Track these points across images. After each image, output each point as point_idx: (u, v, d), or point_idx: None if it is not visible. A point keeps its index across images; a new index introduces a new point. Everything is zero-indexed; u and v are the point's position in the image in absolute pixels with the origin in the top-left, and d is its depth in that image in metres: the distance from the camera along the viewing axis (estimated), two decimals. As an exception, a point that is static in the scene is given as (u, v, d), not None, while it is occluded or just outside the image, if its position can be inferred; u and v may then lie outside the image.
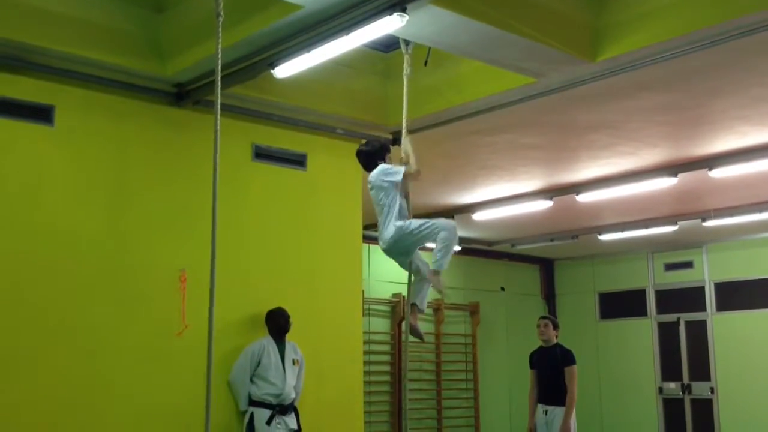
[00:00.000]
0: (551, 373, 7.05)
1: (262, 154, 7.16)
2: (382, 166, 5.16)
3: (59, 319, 5.85)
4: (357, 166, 7.85)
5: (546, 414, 7.03)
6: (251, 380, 6.61)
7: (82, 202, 6.11)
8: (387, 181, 5.04)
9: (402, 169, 5.13)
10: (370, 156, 5.29)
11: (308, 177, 7.48)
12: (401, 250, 5.12)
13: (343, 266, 7.65)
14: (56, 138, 6.06)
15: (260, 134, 7.17)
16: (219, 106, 4.40)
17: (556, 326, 7.29)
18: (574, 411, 6.88)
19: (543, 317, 7.44)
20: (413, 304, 5.18)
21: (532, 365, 7.38)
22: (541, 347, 7.28)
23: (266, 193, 7.18)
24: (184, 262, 6.44)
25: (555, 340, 7.27)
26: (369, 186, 5.14)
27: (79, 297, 5.97)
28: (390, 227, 4.98)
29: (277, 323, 6.77)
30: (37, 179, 5.93)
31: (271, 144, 7.22)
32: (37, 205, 5.90)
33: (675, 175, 9.28)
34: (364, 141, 5.51)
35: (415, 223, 5.02)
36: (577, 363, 15.44)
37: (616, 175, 9.68)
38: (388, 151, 5.40)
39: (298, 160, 7.40)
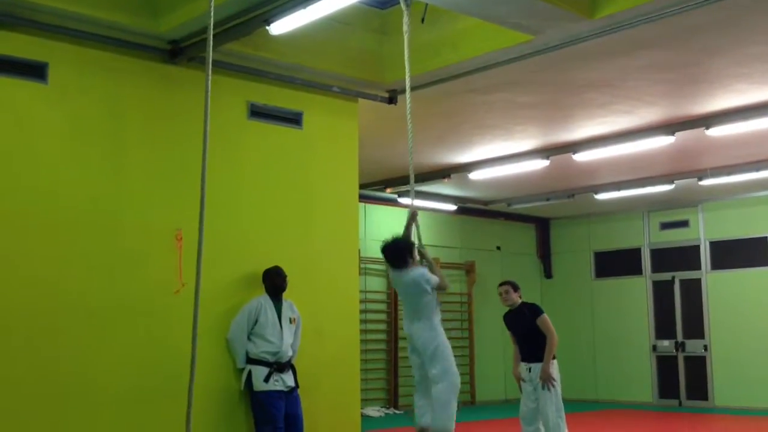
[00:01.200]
0: (527, 333, 7.04)
1: (257, 112, 7.12)
2: (423, 270, 5.65)
3: (56, 277, 5.86)
4: (353, 125, 7.88)
5: (530, 371, 7.00)
6: (249, 338, 6.65)
7: (77, 160, 6.07)
8: (431, 287, 5.57)
9: (435, 277, 5.65)
10: (401, 252, 5.76)
11: (304, 136, 7.44)
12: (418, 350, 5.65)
13: (339, 225, 7.65)
14: (50, 95, 6.00)
15: (255, 92, 7.11)
16: (210, 62, 4.37)
17: (516, 288, 7.24)
18: (554, 357, 6.83)
19: (501, 283, 7.35)
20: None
21: (508, 327, 7.40)
22: (510, 310, 7.29)
23: (262, 152, 7.15)
24: (180, 221, 6.43)
25: (520, 301, 7.22)
26: (403, 282, 5.52)
27: (76, 256, 5.97)
28: (424, 331, 5.60)
29: (274, 282, 6.79)
30: (30, 137, 5.89)
31: (266, 102, 7.17)
32: (31, 162, 5.86)
33: (672, 133, 9.27)
34: (389, 240, 5.90)
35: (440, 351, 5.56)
36: (572, 321, 15.63)
37: (613, 134, 9.66)
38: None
39: (293, 119, 7.35)
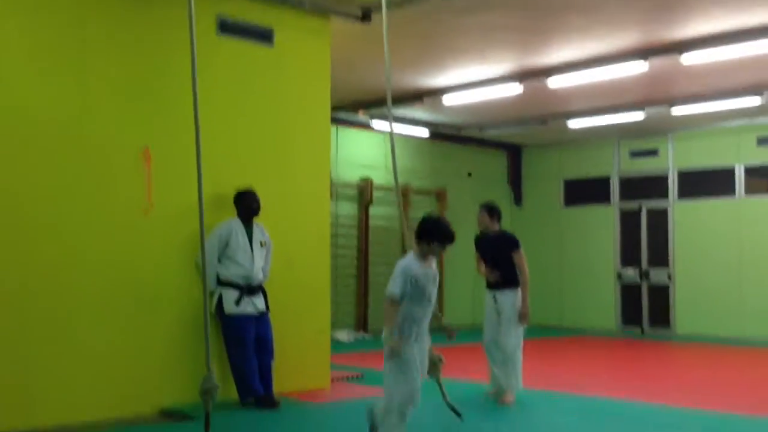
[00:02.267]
0: (498, 261, 6.90)
1: (227, 27, 6.89)
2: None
3: (23, 195, 5.71)
4: (325, 45, 7.68)
5: (495, 300, 6.91)
6: (219, 261, 6.59)
7: (39, 75, 5.85)
8: None
9: None
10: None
11: (275, 54, 7.25)
12: None
13: (310, 148, 7.54)
14: (14, 11, 5.74)
15: (225, 5, 6.88)
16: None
17: (493, 214, 7.04)
18: (518, 286, 6.82)
19: (481, 206, 7.20)
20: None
21: (478, 250, 7.21)
22: (486, 235, 7.09)
23: (231, 70, 6.96)
24: (148, 139, 6.28)
25: (497, 228, 7.07)
26: (432, 277, 4.83)
27: (43, 174, 5.81)
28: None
29: (248, 206, 6.69)
30: (-10, 51, 5.67)
31: (236, 16, 6.94)
32: (-6, 80, 5.66)
33: (646, 59, 9.20)
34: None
35: None
36: (541, 248, 15.76)
37: (587, 60, 9.56)
38: None
39: (264, 35, 7.14)
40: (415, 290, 4.61)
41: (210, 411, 4.70)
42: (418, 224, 4.89)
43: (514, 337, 6.79)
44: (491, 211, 7.10)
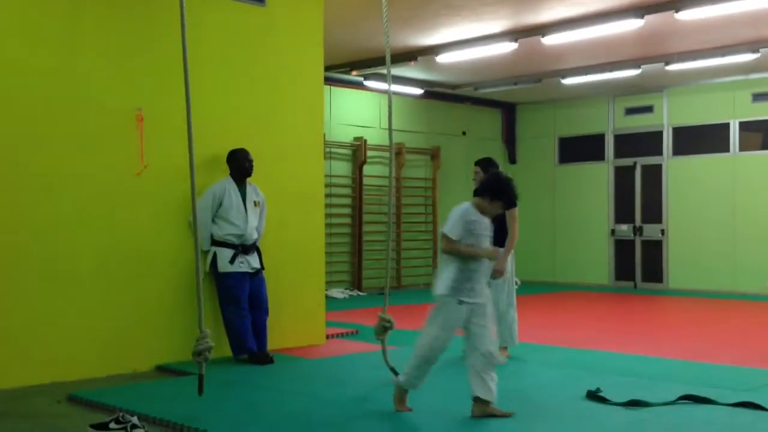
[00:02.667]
0: (491, 219, 6.87)
1: (218, -13, 6.85)
2: None
3: (15, 157, 5.72)
4: (318, 4, 7.63)
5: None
6: (213, 221, 6.63)
7: (33, 37, 5.83)
8: None
9: None
10: None
11: (267, 13, 7.21)
12: None
13: (303, 108, 7.54)
14: (-3, -33, 5.70)
15: (215, -34, 6.84)
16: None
17: (491, 170, 6.72)
18: (512, 252, 6.76)
19: (476, 163, 6.96)
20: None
21: None
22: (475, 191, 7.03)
23: (224, 30, 6.93)
24: (140, 100, 6.28)
25: None
26: (487, 227, 4.88)
27: (35, 135, 5.82)
28: None
29: (241, 166, 6.70)
30: (-21, 11, 5.63)
31: (227, -23, 6.90)
32: (-20, 39, 5.63)
33: (641, 16, 9.15)
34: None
35: None
36: (535, 206, 15.85)
37: (582, 17, 9.51)
38: None
39: (256, -5, 7.10)
40: (469, 238, 4.65)
41: (203, 373, 4.64)
42: (487, 178, 4.94)
43: (506, 295, 6.75)
44: (488, 167, 6.90)
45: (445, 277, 4.71)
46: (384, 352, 5.52)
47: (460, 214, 4.72)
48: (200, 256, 4.83)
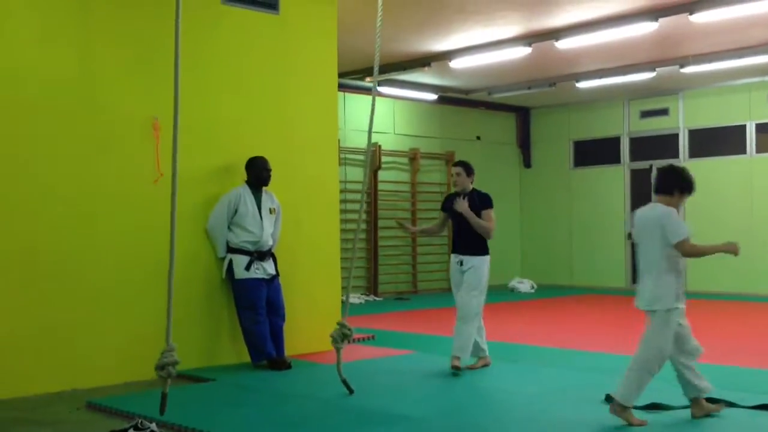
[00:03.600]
0: (466, 224, 6.39)
1: (232, -4, 6.90)
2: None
3: (33, 165, 5.78)
4: (332, 10, 7.66)
5: (461, 264, 6.39)
6: (229, 228, 6.66)
7: (44, 43, 5.88)
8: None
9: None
10: None
11: (281, 21, 7.24)
12: None
13: (318, 115, 7.56)
14: (15, -21, 5.77)
15: (229, -25, 6.88)
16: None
17: (470, 172, 6.58)
18: (488, 253, 6.42)
19: (455, 164, 6.68)
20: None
21: (446, 210, 6.66)
22: (456, 194, 6.58)
23: (238, 39, 6.97)
24: (157, 109, 6.32)
25: (471, 187, 6.55)
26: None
27: (53, 143, 5.88)
28: None
29: (259, 175, 6.73)
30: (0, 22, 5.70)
31: (241, -14, 6.94)
32: (1, 48, 5.68)
33: (656, 19, 9.13)
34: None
35: None
36: (550, 210, 15.77)
37: (596, 20, 9.49)
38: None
39: (270, 3, 7.13)
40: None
41: (166, 392, 4.30)
42: (665, 174, 5.02)
43: (476, 305, 6.36)
44: (468, 168, 6.64)
45: (665, 289, 4.68)
46: (339, 362, 5.53)
47: (675, 214, 4.73)
48: (173, 261, 4.62)
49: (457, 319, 6.38)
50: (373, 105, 5.68)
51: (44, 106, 5.86)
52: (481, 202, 6.52)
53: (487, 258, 6.46)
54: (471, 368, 6.40)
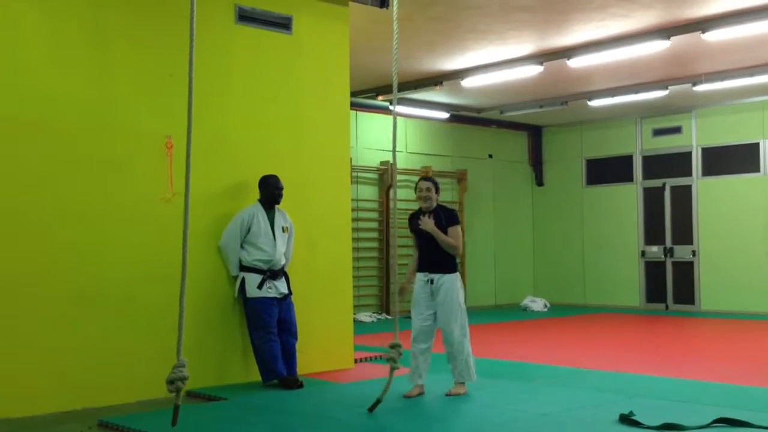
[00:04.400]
0: (435, 241, 6.08)
1: (245, 16, 6.94)
2: None
3: (46, 182, 5.82)
4: (344, 30, 7.71)
5: (431, 283, 6.06)
6: (242, 247, 6.67)
7: (60, 65, 5.93)
8: None
9: None
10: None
11: (294, 41, 7.29)
12: None
13: (330, 133, 7.59)
14: (34, 1, 5.83)
15: (243, -5, 6.94)
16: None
17: (438, 189, 6.26)
18: (457, 270, 6.15)
19: (425, 179, 6.32)
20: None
21: (413, 230, 6.29)
22: (420, 210, 6.26)
23: (251, 59, 7.01)
24: (170, 128, 6.36)
25: (435, 204, 6.22)
26: None
27: (66, 162, 5.91)
28: None
29: (270, 194, 6.75)
30: (14, 42, 5.75)
31: (254, 5, 6.99)
32: (16, 69, 5.74)
33: (668, 38, 9.13)
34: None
35: None
36: (563, 228, 15.74)
37: (608, 39, 9.51)
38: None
39: (283, 23, 7.19)
40: None
41: (179, 403, 4.29)
42: None
43: (460, 326, 6.06)
44: (437, 185, 6.31)
45: None
46: (390, 383, 5.48)
47: None
48: (185, 281, 4.61)
49: (445, 347, 6.12)
50: (394, 125, 5.63)
51: (57, 126, 5.90)
52: (447, 218, 6.19)
53: (457, 275, 6.15)
54: (408, 396, 5.99)
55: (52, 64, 5.91)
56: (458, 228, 6.20)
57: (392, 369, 5.48)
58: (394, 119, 5.62)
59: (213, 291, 6.60)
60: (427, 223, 6.11)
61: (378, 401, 5.46)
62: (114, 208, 6.12)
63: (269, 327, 6.57)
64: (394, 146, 5.68)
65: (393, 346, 5.47)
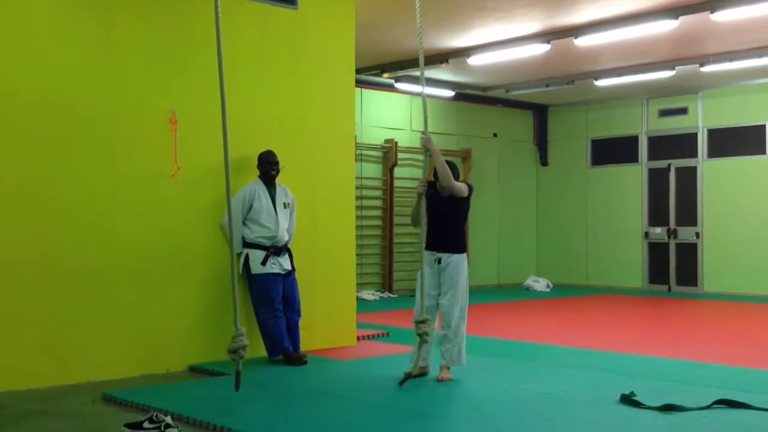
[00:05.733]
0: (444, 214, 5.90)
1: (251, -9, 6.91)
2: None
3: (53, 158, 5.82)
4: (350, 6, 7.66)
5: (439, 262, 5.87)
6: (244, 224, 6.67)
7: (65, 41, 5.91)
8: None
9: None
10: None
11: (299, 16, 7.25)
12: None
13: (335, 110, 7.56)
14: (36, -27, 5.80)
15: (248, -31, 6.89)
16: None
17: (455, 171, 5.98)
18: (465, 251, 5.93)
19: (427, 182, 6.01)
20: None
21: (428, 197, 5.88)
22: (432, 184, 5.97)
23: (256, 33, 6.97)
24: (174, 102, 6.34)
25: None
26: None
27: (71, 137, 5.91)
28: None
29: (265, 169, 6.75)
30: (21, 21, 5.72)
31: (260, -20, 6.95)
32: (23, 46, 5.72)
33: (676, 17, 9.05)
34: None
35: None
36: (566, 208, 15.68)
37: (616, 18, 9.42)
38: None
39: (288, -2, 7.15)
40: None
41: (240, 369, 4.67)
42: None
43: (459, 308, 5.90)
44: (453, 166, 6.07)
45: None
46: (420, 355, 5.63)
47: None
48: (235, 257, 4.84)
49: (441, 328, 5.93)
50: (424, 103, 5.80)
51: (61, 101, 5.88)
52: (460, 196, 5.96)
53: (465, 256, 5.99)
54: (409, 374, 5.70)
55: (57, 42, 5.89)
56: (464, 184, 5.99)
57: (422, 343, 5.55)
58: (424, 100, 5.76)
59: (217, 267, 6.60)
60: (428, 139, 5.78)
61: (408, 375, 5.58)
62: (119, 184, 6.12)
63: (274, 303, 6.58)
64: (426, 125, 5.78)
65: (422, 321, 5.51)
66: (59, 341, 5.78)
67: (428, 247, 5.89)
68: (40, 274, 5.72)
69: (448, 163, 5.99)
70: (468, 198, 6.02)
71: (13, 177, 5.64)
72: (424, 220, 5.82)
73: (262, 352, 6.67)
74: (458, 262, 5.92)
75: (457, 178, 5.99)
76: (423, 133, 5.79)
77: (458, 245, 5.97)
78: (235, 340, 4.62)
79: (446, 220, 5.95)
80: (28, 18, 5.76)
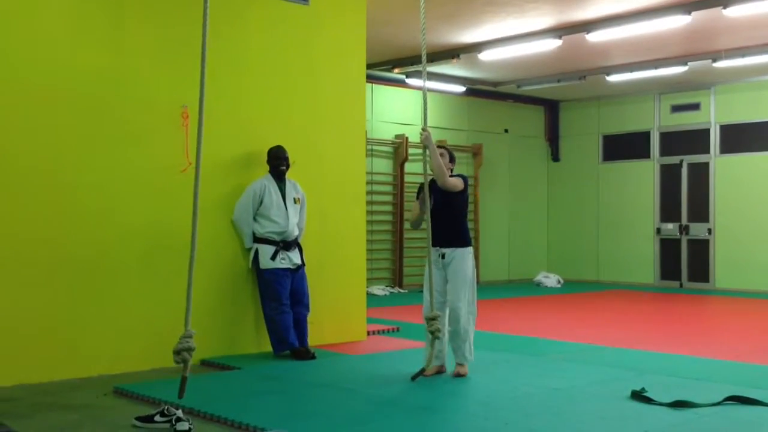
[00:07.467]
0: (446, 209, 5.86)
1: (262, -14, 6.91)
2: None
3: (64, 152, 5.84)
4: (361, 2, 7.65)
5: (443, 257, 5.81)
6: (254, 219, 6.69)
7: (77, 35, 5.94)
8: None
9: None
10: None
11: (310, 11, 7.25)
12: None
13: (346, 106, 7.57)
14: (48, -32, 5.82)
15: (260, -35, 6.89)
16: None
17: (452, 159, 6.02)
18: (470, 244, 5.90)
19: (440, 147, 5.97)
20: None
21: (431, 188, 5.81)
22: (433, 179, 5.86)
23: (267, 29, 6.98)
24: (186, 97, 6.35)
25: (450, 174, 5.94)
26: None
27: (82, 133, 5.93)
28: None
29: (274, 164, 6.76)
30: (34, 14, 5.75)
31: (271, -24, 6.96)
32: (34, 40, 5.74)
33: (689, 13, 9.01)
34: None
35: None
36: (578, 204, 15.65)
37: (628, 13, 9.39)
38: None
39: (299, -7, 7.15)
40: None
41: (186, 375, 4.22)
42: None
43: (468, 302, 5.82)
44: (450, 152, 6.08)
45: None
46: (433, 351, 5.63)
47: None
48: (194, 248, 4.53)
49: (449, 324, 5.85)
50: (424, 98, 5.74)
51: (74, 97, 5.90)
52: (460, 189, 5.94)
53: (470, 250, 5.90)
54: (425, 374, 5.72)
55: (71, 36, 5.91)
56: (459, 179, 5.92)
57: (434, 339, 5.56)
58: (424, 94, 5.64)
59: (228, 261, 6.62)
60: (428, 137, 5.73)
61: (422, 370, 5.59)
62: (130, 179, 6.14)
63: (281, 298, 6.60)
64: (425, 121, 5.77)
65: (432, 318, 5.54)
66: (71, 335, 5.82)
67: (433, 244, 5.82)
68: (52, 267, 5.76)
69: (446, 149, 6.11)
70: (464, 191, 5.97)
71: (26, 170, 5.67)
72: (426, 216, 5.73)
73: (269, 347, 6.69)
74: (462, 257, 5.84)
75: (453, 162, 6.10)
76: (423, 129, 5.79)
77: (461, 239, 5.89)
78: (181, 340, 4.20)
79: (448, 213, 5.91)
80: (42, 15, 5.78)
